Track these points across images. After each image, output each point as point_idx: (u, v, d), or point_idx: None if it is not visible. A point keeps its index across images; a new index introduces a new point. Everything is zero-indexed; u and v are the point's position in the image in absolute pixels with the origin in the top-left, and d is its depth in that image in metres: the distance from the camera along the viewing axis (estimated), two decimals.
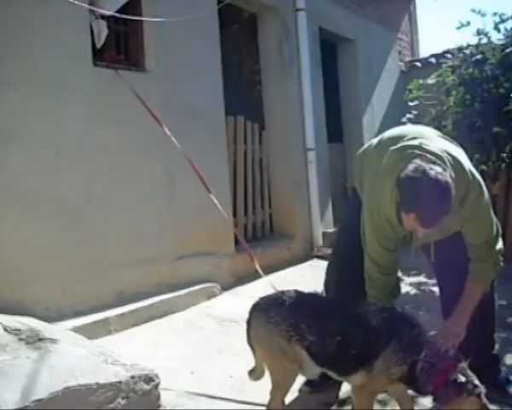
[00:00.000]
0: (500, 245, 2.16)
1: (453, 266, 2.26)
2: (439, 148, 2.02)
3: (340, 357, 1.98)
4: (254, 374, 2.24)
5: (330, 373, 2.07)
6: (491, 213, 2.15)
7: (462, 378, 1.83)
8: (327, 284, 2.57)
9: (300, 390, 2.47)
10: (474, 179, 2.06)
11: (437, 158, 1.93)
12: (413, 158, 1.92)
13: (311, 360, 2.03)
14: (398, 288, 2.25)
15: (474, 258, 2.17)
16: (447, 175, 1.87)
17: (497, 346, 2.32)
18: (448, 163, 1.96)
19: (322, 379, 2.42)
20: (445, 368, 1.85)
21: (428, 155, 1.93)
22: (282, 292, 2.16)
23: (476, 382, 1.85)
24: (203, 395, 2.51)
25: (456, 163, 2.02)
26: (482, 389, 1.84)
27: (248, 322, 2.16)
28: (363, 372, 1.93)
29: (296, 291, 2.17)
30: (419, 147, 1.98)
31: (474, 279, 2.16)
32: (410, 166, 1.89)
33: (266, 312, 2.09)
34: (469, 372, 1.87)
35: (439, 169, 1.86)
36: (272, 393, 2.10)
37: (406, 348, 1.90)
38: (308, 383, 2.47)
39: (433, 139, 2.12)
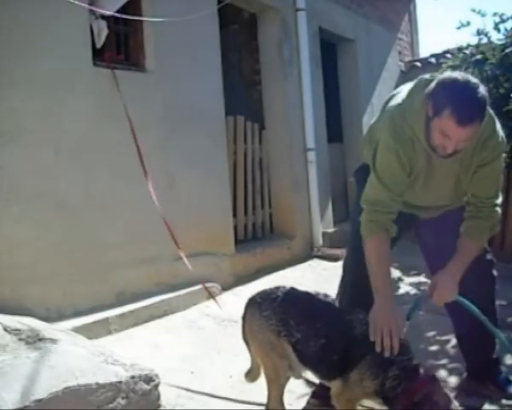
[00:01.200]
0: (500, 211, 2.13)
1: (445, 252, 2.17)
2: None
3: (322, 360, 1.96)
4: (251, 375, 2.24)
5: (312, 374, 2.05)
6: (501, 176, 2.14)
7: (431, 400, 1.73)
8: (343, 285, 2.43)
9: (308, 403, 2.37)
10: (499, 128, 2.05)
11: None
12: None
13: (296, 358, 2.02)
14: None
15: (472, 214, 2.11)
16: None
17: (497, 346, 2.31)
18: None
19: (323, 389, 2.36)
20: (413, 388, 1.77)
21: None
22: (278, 288, 2.16)
23: (451, 404, 1.76)
24: (203, 394, 2.51)
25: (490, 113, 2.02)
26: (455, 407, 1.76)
27: (243, 316, 2.18)
28: (340, 380, 1.90)
29: (291, 288, 2.17)
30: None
31: (471, 236, 2.09)
32: (445, 74, 1.92)
33: (260, 306, 2.10)
34: (444, 392, 1.78)
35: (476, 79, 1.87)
36: (268, 390, 2.11)
37: (380, 363, 1.83)
38: (314, 395, 2.37)
39: None
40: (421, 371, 1.83)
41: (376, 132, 2.20)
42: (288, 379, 2.12)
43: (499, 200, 2.12)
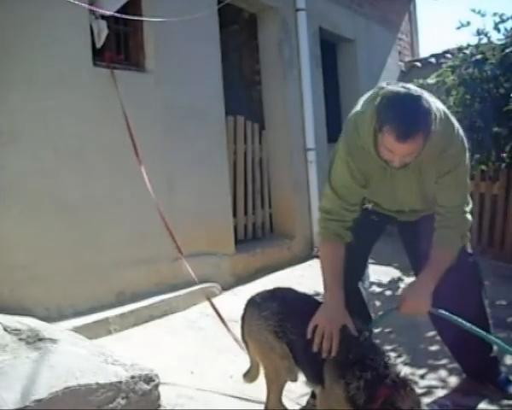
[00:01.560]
0: (470, 219, 2.08)
1: (426, 252, 2.12)
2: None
3: (308, 363, 1.96)
4: (249, 375, 2.24)
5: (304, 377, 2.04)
6: (468, 182, 2.08)
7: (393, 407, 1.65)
8: None
9: (308, 403, 2.39)
10: (458, 135, 1.99)
11: (424, 90, 1.90)
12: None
13: (292, 359, 2.01)
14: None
15: (441, 224, 2.06)
16: (429, 100, 1.83)
17: (494, 347, 2.30)
18: (433, 103, 1.90)
19: None
20: (376, 396, 1.68)
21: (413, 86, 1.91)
22: (277, 288, 2.16)
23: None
24: (203, 395, 2.51)
25: (443, 113, 1.96)
26: None
27: (242, 317, 2.18)
28: (320, 386, 1.87)
29: (290, 289, 2.17)
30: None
31: (442, 245, 2.03)
32: (389, 87, 1.88)
33: (259, 306, 2.10)
34: (411, 399, 1.67)
35: (420, 91, 1.84)
36: (267, 390, 2.11)
37: (344, 368, 1.75)
38: (314, 395, 2.41)
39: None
40: (393, 376, 1.71)
41: (339, 141, 2.18)
42: (286, 380, 2.12)
43: (468, 207, 2.08)
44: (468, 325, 1.97)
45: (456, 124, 2.02)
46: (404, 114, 1.78)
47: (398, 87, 1.86)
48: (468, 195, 2.10)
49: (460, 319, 1.98)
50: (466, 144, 2.03)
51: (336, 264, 2.05)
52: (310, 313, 1.98)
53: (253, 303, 2.15)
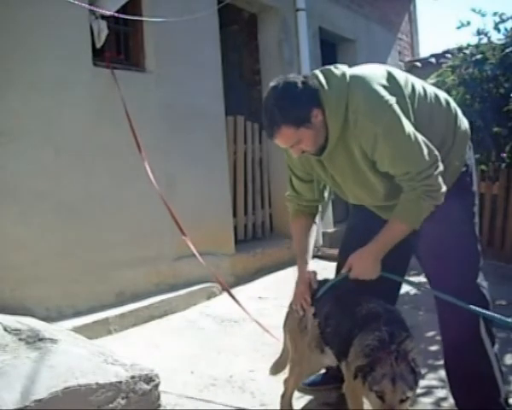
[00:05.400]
0: (432, 178, 1.80)
1: (438, 254, 2.02)
2: (340, 71, 1.88)
3: (339, 342, 1.96)
4: (275, 367, 2.32)
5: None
6: (408, 142, 1.78)
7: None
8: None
9: (300, 388, 2.43)
10: (362, 109, 1.78)
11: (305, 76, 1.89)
12: None
13: (321, 339, 2.04)
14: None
15: (402, 194, 1.88)
16: (297, 84, 1.82)
17: (497, 346, 2.29)
18: (322, 78, 1.85)
19: (324, 379, 2.42)
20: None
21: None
22: (327, 279, 2.20)
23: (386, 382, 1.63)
24: (203, 395, 2.51)
25: (354, 79, 1.83)
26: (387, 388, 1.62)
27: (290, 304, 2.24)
28: (344, 362, 1.89)
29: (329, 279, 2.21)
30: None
31: (395, 213, 1.88)
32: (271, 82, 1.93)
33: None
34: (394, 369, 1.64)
35: (287, 81, 1.86)
36: (289, 373, 2.20)
37: (367, 346, 1.74)
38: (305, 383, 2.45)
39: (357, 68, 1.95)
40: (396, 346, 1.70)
41: None
42: (309, 370, 2.21)
43: (425, 171, 1.79)
44: (461, 302, 1.86)
45: (370, 87, 1.81)
46: (265, 114, 1.84)
47: (275, 80, 1.92)
48: (422, 163, 1.79)
49: (440, 293, 1.93)
50: (387, 104, 1.78)
51: (301, 238, 2.30)
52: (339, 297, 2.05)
53: None
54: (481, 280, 2.06)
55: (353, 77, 1.86)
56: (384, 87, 1.83)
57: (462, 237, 2.02)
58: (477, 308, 1.88)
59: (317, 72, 1.94)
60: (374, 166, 1.88)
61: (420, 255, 2.17)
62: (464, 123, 2.07)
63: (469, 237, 2.05)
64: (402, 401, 1.63)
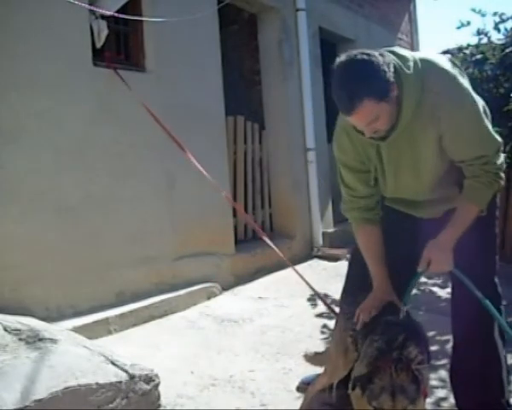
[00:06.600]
0: (500, 160, 1.84)
1: (463, 248, 1.90)
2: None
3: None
4: (313, 358, 2.31)
5: None
6: (485, 125, 1.83)
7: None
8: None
9: (298, 388, 2.43)
10: (452, 83, 1.78)
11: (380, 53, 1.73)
12: None
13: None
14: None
15: (467, 174, 1.85)
16: (376, 56, 1.68)
17: (508, 387, 2.17)
18: (398, 59, 1.76)
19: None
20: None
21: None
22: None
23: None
24: (203, 394, 2.51)
25: (426, 62, 1.78)
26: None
27: None
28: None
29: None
30: None
31: (467, 197, 1.84)
32: (343, 55, 1.72)
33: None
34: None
35: (364, 53, 1.68)
36: (321, 376, 2.12)
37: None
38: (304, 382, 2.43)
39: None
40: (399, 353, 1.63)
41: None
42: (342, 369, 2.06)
43: (495, 155, 1.83)
44: (481, 295, 1.80)
45: (449, 67, 1.83)
46: (342, 87, 1.66)
47: (343, 56, 1.71)
48: (491, 138, 1.85)
49: (475, 289, 1.81)
50: (468, 90, 1.82)
51: (372, 246, 2.00)
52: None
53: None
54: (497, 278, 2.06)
55: (424, 60, 1.81)
56: (459, 72, 1.85)
57: (490, 233, 2.03)
58: (494, 311, 1.83)
59: (386, 50, 1.84)
60: (441, 152, 1.84)
61: None
62: None
63: (494, 234, 2.06)
64: None
